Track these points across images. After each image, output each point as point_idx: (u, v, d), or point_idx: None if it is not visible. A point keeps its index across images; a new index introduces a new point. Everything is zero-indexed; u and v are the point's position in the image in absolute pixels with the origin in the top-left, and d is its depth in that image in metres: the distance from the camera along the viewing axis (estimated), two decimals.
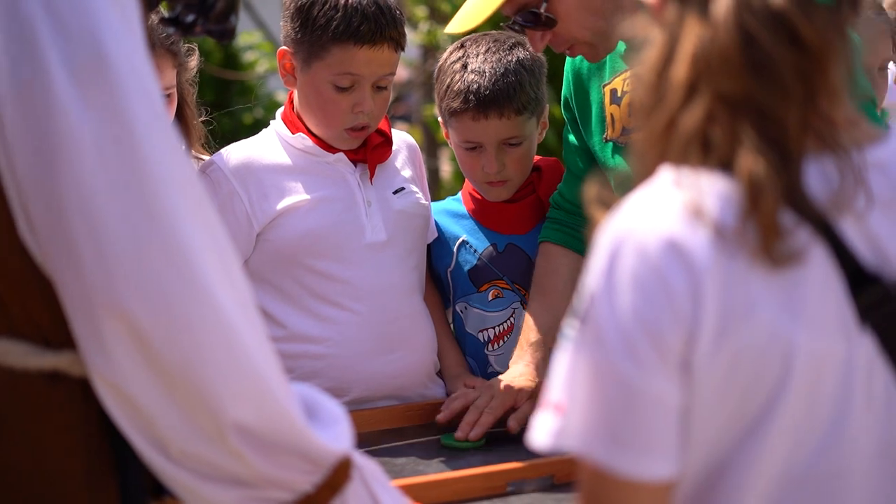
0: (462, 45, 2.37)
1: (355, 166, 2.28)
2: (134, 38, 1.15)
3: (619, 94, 2.19)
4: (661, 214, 1.06)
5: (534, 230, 2.41)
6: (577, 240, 2.28)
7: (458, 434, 2.10)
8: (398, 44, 2.20)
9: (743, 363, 1.06)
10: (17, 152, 1.11)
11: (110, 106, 1.12)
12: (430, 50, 8.50)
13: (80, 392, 1.19)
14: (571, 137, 2.35)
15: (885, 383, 1.12)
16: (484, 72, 2.29)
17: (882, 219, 1.11)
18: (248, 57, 11.24)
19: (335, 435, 1.26)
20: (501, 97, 2.27)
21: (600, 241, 1.09)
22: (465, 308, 2.43)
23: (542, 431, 1.09)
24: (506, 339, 2.39)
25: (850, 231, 1.09)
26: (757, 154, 1.05)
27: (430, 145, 8.11)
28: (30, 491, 1.18)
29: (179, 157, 1.17)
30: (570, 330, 1.10)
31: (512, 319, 2.38)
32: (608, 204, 1.11)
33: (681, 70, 1.07)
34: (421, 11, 8.75)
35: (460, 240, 2.44)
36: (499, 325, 2.40)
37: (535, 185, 2.42)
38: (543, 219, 2.39)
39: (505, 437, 2.10)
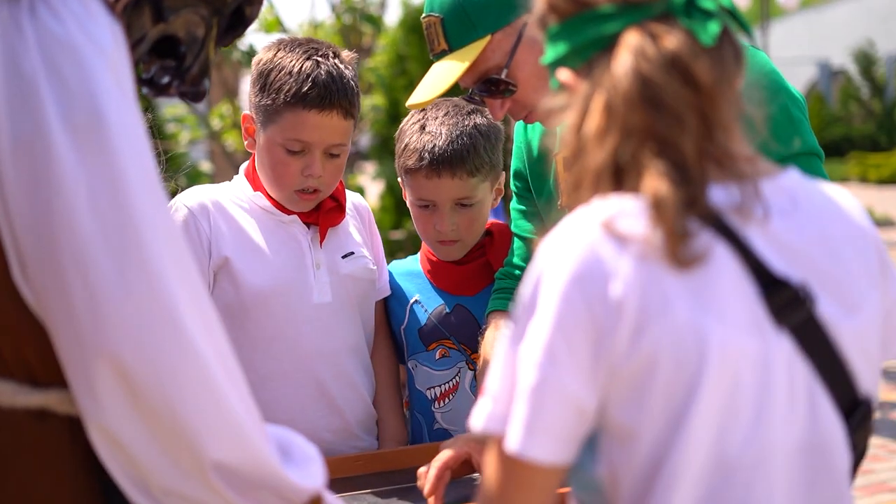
0: (423, 110, 2.45)
1: (308, 228, 2.34)
2: (127, 99, 1.21)
3: None
4: (579, 232, 1.21)
5: (481, 293, 2.47)
6: None
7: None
8: (347, 112, 2.27)
9: (662, 357, 1.18)
10: (14, 203, 1.16)
11: (105, 162, 1.17)
12: None
13: (67, 429, 1.23)
14: (520, 205, 2.40)
15: (807, 382, 1.24)
16: (440, 133, 2.37)
17: (787, 231, 1.25)
18: (170, 128, 11.23)
19: (308, 473, 1.32)
20: (455, 157, 2.35)
21: (535, 260, 1.24)
22: (416, 366, 2.49)
23: (479, 416, 1.25)
24: (451, 397, 2.44)
25: (758, 240, 1.23)
26: (660, 176, 1.20)
27: None
28: None
29: (166, 212, 1.23)
30: (506, 329, 1.23)
31: (457, 378, 2.43)
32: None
33: (593, 121, 1.23)
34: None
35: (413, 299, 2.51)
36: (445, 384, 2.45)
37: (485, 248, 2.49)
38: (491, 282, 2.45)
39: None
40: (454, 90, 2.13)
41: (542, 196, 2.32)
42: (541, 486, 1.22)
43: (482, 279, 2.48)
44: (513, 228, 2.43)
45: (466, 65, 2.03)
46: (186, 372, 1.19)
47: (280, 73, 2.25)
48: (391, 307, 2.53)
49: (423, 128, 2.40)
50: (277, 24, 9.05)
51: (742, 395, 1.21)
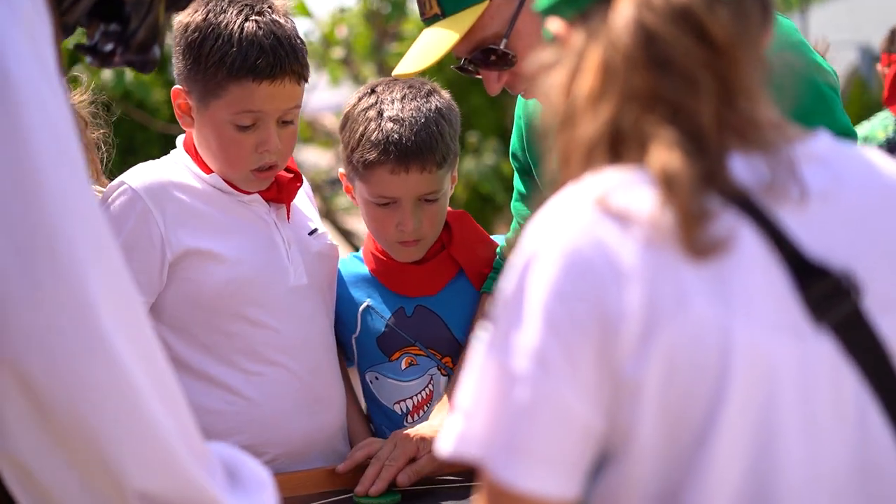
0: (373, 91, 2.17)
1: (269, 205, 2.13)
2: (42, 64, 1.06)
3: None
4: (570, 213, 1.05)
5: (444, 290, 2.23)
6: None
7: (359, 489, 2.01)
8: (300, 76, 2.04)
9: (679, 361, 1.01)
10: None
11: (6, 128, 1.02)
12: None
13: None
14: (521, 187, 2.22)
15: (856, 391, 1.06)
16: (403, 120, 2.10)
17: (827, 211, 1.08)
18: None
19: (255, 502, 1.17)
20: (424, 149, 2.09)
21: (518, 250, 1.07)
22: (377, 378, 2.24)
23: (447, 437, 1.06)
24: (426, 408, 2.21)
25: (793, 223, 1.06)
26: (671, 146, 1.03)
27: None
28: None
29: (84, 194, 1.07)
30: (482, 333, 1.08)
31: (430, 387, 2.21)
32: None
33: (586, 81, 1.07)
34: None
35: (364, 305, 2.25)
36: (416, 395, 2.22)
37: (444, 241, 2.24)
38: (455, 278, 2.23)
39: (421, 489, 2.04)
40: (447, 60, 1.95)
41: (543, 176, 2.20)
42: None
43: (444, 276, 2.23)
44: (513, 207, 2.29)
45: (461, 33, 1.87)
46: (103, 385, 1.04)
47: (217, 40, 1.99)
48: (337, 313, 2.25)
49: (380, 114, 2.12)
50: (304, 10, 9.01)
51: (780, 409, 1.03)
